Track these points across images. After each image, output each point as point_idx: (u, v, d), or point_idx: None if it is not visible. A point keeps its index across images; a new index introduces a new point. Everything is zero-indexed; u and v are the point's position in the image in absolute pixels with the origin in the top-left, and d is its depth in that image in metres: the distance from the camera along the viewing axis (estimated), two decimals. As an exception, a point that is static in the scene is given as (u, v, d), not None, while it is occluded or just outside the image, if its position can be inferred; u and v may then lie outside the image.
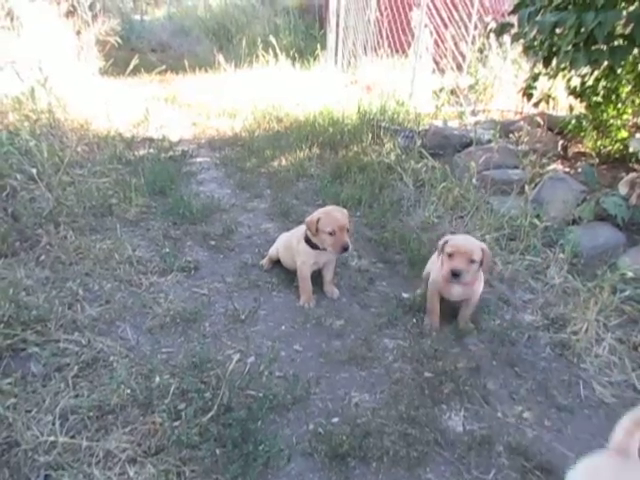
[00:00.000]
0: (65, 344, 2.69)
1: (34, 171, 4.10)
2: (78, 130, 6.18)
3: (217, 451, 2.14)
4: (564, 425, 2.49)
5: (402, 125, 6.77)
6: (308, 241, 3.32)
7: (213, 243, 4.07)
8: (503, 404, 2.61)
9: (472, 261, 2.83)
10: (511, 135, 5.70)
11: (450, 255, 2.85)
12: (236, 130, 7.76)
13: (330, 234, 3.15)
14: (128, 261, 3.61)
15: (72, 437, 2.15)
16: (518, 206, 4.34)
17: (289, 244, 3.53)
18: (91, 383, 2.46)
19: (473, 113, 7.32)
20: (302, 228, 3.56)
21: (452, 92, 7.68)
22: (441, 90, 7.44)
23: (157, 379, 2.42)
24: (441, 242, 2.97)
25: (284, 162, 6.23)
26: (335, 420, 2.41)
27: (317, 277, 3.50)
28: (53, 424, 2.19)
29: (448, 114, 7.29)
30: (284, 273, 3.67)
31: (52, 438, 2.11)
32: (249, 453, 2.13)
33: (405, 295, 3.47)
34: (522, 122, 5.92)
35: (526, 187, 4.34)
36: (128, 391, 2.37)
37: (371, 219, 4.63)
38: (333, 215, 3.19)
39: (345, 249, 3.13)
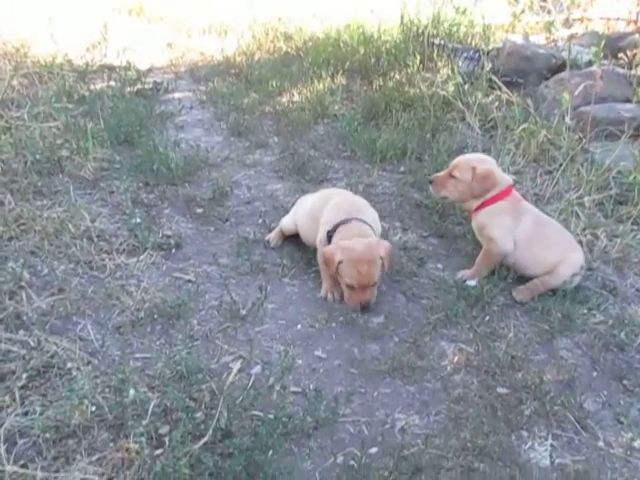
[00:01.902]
0: (8, 345, 2.76)
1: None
2: (12, 56, 6.24)
3: (214, 489, 2.22)
4: (692, 459, 2.51)
5: (464, 42, 6.68)
6: (329, 239, 3.39)
7: (200, 211, 4.13)
8: (606, 430, 2.62)
9: (452, 176, 3.54)
10: (621, 55, 5.58)
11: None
12: (228, 53, 7.75)
13: (349, 287, 3.24)
14: (86, 235, 3.67)
15: (23, 466, 2.23)
16: (631, 156, 4.28)
17: (315, 213, 3.56)
18: (44, 397, 2.52)
19: (567, 23, 7.16)
20: (333, 194, 3.59)
21: (536, -7, 7.51)
22: (521, -9, 7.28)
23: (131, 393, 2.48)
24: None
25: (296, 97, 6.23)
26: (373, 451, 2.46)
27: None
28: (-4, 450, 2.29)
29: (530, 26, 7.17)
30: (299, 252, 3.71)
31: (-4, 468, 2.21)
32: (257, 492, 2.19)
33: (470, 283, 3.49)
34: (637, 35, 5.79)
35: (643, 128, 4.29)
36: (93, 408, 2.43)
37: (421, 176, 4.62)
38: (359, 268, 3.17)
39: (363, 308, 3.26)
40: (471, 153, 3.61)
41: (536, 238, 3.41)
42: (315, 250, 3.49)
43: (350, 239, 3.24)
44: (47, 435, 2.32)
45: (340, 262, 3.18)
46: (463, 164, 3.52)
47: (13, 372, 2.62)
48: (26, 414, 2.42)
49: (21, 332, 2.86)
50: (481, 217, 3.52)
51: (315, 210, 3.57)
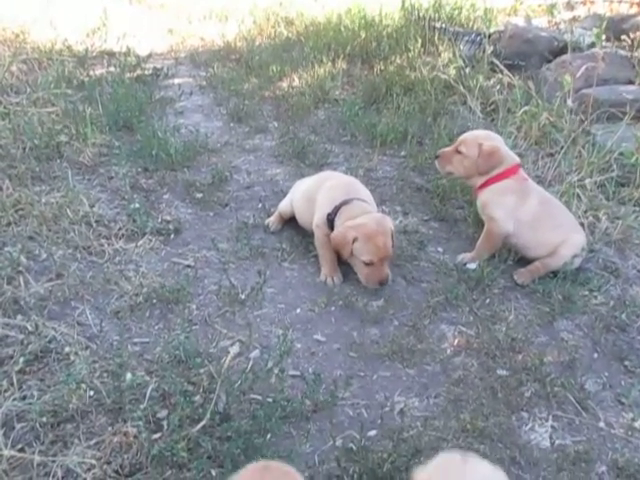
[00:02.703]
0: (5, 330, 2.76)
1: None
2: (11, 42, 6.22)
3: (212, 472, 2.20)
4: (693, 440, 2.50)
5: (466, 26, 6.63)
6: (330, 222, 3.36)
7: (199, 196, 4.11)
8: (607, 410, 2.62)
9: (458, 151, 3.54)
10: (624, 37, 5.52)
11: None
12: (228, 38, 7.71)
13: (367, 264, 3.20)
14: (84, 220, 3.66)
15: (20, 450, 2.23)
16: (632, 137, 4.24)
17: (310, 195, 3.54)
18: (42, 382, 2.52)
19: (568, 6, 7.10)
20: (328, 177, 3.57)
21: (538, -25, 7.44)
22: (522, -27, 7.22)
23: (128, 377, 2.47)
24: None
25: (297, 82, 6.19)
26: (372, 433, 2.45)
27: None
28: (-6, 434, 2.28)
29: (532, 8, 7.11)
30: (299, 236, 3.70)
31: (-6, 452, 2.20)
32: (255, 475, 2.18)
33: (470, 265, 3.47)
34: (640, 17, 5.73)
35: (645, 110, 4.25)
36: (91, 393, 2.43)
37: (421, 160, 4.60)
38: (376, 242, 3.16)
39: (382, 284, 3.25)
40: (478, 130, 3.55)
41: (541, 218, 3.39)
42: (313, 234, 3.47)
43: (354, 219, 3.22)
44: (45, 419, 2.32)
45: (355, 240, 3.17)
46: (470, 140, 3.51)
47: (11, 357, 2.62)
48: (24, 398, 2.42)
49: (19, 317, 2.85)
50: (485, 195, 3.50)
51: (310, 192, 3.56)
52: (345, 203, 3.33)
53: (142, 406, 2.38)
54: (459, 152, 3.52)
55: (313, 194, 3.52)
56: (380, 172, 4.57)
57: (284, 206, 3.77)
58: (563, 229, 3.41)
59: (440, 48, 6.30)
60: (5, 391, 2.43)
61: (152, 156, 4.41)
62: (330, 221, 3.35)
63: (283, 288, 3.30)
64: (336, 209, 3.34)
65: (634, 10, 6.99)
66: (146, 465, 2.20)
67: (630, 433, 2.51)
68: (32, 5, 7.03)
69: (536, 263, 3.40)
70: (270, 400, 2.47)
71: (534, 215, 3.38)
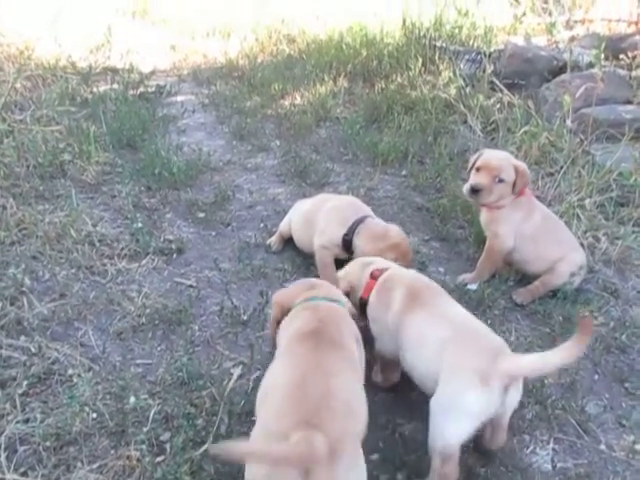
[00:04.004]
0: (9, 352, 2.76)
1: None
2: (16, 59, 6.24)
3: (215, 496, 2.21)
4: (694, 464, 2.49)
5: (466, 45, 6.66)
6: (347, 243, 3.36)
7: (202, 215, 4.12)
8: (608, 433, 2.61)
9: (500, 180, 3.30)
10: (622, 56, 5.56)
11: (478, 169, 3.36)
12: (231, 56, 7.75)
13: None
14: (88, 240, 3.67)
15: (23, 474, 2.23)
16: (631, 158, 4.26)
17: (309, 216, 3.55)
18: (45, 404, 2.53)
19: (568, 25, 7.14)
20: (328, 198, 3.58)
21: (538, -5, 7.49)
22: (522, -8, 7.26)
23: (132, 400, 2.48)
24: (476, 155, 3.47)
25: (299, 100, 6.22)
26: (374, 457, 2.45)
27: (343, 263, 3.53)
28: (-3, 457, 2.29)
29: (532, 27, 7.15)
30: (300, 257, 3.70)
31: (-3, 475, 2.21)
32: (258, 499, 2.18)
33: (471, 286, 3.47)
34: (638, 37, 5.77)
35: (644, 130, 4.27)
36: (94, 415, 2.44)
37: (422, 180, 4.61)
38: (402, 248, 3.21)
39: None
40: (486, 151, 3.51)
41: (543, 232, 3.40)
42: (313, 256, 3.48)
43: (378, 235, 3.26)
44: (48, 443, 2.32)
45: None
46: (505, 165, 3.36)
47: (14, 378, 2.63)
48: (27, 421, 2.42)
49: (22, 338, 2.87)
50: (494, 211, 3.45)
51: (309, 214, 3.56)
52: (360, 222, 3.34)
53: (145, 429, 2.39)
54: (501, 180, 3.33)
55: (312, 216, 3.52)
56: (381, 191, 4.59)
57: (284, 226, 3.79)
58: (563, 245, 3.42)
59: (441, 67, 6.34)
60: (8, 414, 2.44)
61: (155, 175, 4.43)
62: (347, 241, 3.35)
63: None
64: (352, 229, 3.34)
65: (632, 29, 7.03)
66: (149, 489, 2.20)
67: (631, 456, 2.50)
68: (37, 21, 7.07)
69: (535, 283, 3.41)
70: (272, 423, 2.47)
71: (537, 229, 3.40)
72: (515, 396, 2.21)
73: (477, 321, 2.44)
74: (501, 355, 2.19)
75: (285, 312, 2.41)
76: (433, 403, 2.23)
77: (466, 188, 3.39)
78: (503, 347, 2.28)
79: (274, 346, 2.38)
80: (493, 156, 3.44)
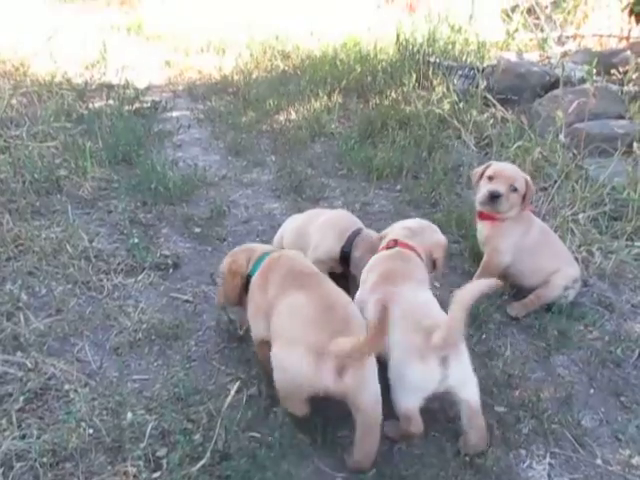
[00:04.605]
0: (5, 367, 2.76)
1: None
2: (11, 75, 6.28)
3: (212, 512, 2.21)
4: (690, 477, 2.50)
5: (459, 60, 6.73)
6: (345, 256, 3.35)
7: (198, 230, 4.13)
8: (604, 447, 2.62)
9: (514, 189, 3.32)
10: (614, 71, 5.63)
11: (490, 178, 3.37)
12: (226, 71, 7.79)
13: None
14: (84, 255, 3.68)
15: (19, 491, 2.24)
16: (624, 172, 4.30)
17: (301, 231, 3.55)
18: (41, 420, 2.53)
19: (559, 41, 7.23)
20: (320, 213, 3.58)
21: (529, 11, 7.59)
22: (514, 9, 7.36)
23: (128, 416, 2.48)
24: (482, 166, 3.50)
25: (293, 116, 6.25)
26: (372, 473, 2.45)
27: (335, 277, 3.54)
28: (-7, 474, 2.28)
29: (524, 43, 7.23)
30: (297, 270, 3.70)
31: (-8, 492, 2.20)
32: (255, 515, 2.19)
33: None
34: (629, 52, 5.84)
35: (635, 145, 4.31)
36: (90, 431, 2.43)
37: (417, 194, 4.64)
38: None
39: None
40: (494, 162, 3.51)
41: (540, 245, 3.43)
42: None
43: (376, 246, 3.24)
44: (44, 459, 2.31)
45: None
46: (518, 175, 3.40)
47: (10, 394, 2.62)
48: (23, 437, 2.41)
49: (18, 354, 2.86)
50: (494, 226, 3.46)
51: (301, 230, 3.54)
52: (356, 234, 3.35)
53: (142, 445, 2.38)
54: (515, 190, 3.34)
55: (304, 231, 3.51)
56: (376, 206, 4.61)
57: (276, 241, 3.76)
58: (559, 259, 3.45)
59: (434, 82, 6.39)
60: (4, 430, 2.43)
61: (151, 190, 4.44)
62: (345, 253, 3.36)
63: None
64: (349, 242, 3.34)
65: (623, 44, 7.12)
66: (146, 505, 2.20)
67: (627, 470, 2.51)
68: (33, 38, 7.11)
69: (530, 296, 3.42)
70: (270, 438, 2.47)
71: (535, 243, 3.42)
72: (458, 368, 2.43)
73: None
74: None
75: (244, 279, 2.81)
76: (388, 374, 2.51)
77: (483, 195, 3.35)
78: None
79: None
80: (506, 166, 3.52)
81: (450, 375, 2.38)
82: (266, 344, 2.58)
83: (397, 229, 3.11)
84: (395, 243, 2.99)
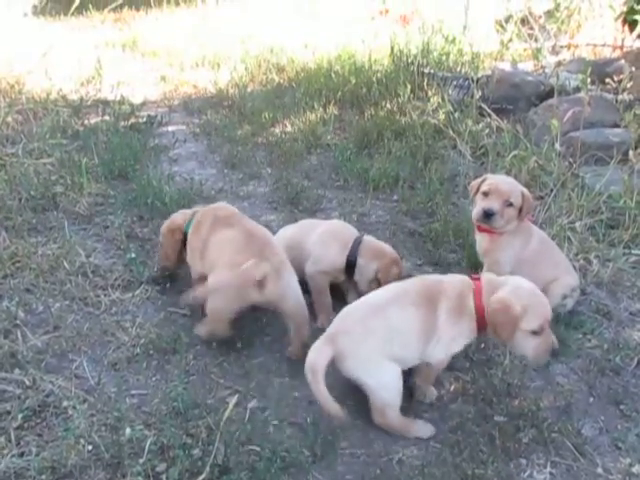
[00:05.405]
0: (3, 385, 2.77)
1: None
2: (7, 93, 6.31)
3: (212, 527, 2.21)
4: (691, 485, 2.50)
5: (454, 71, 6.77)
6: (350, 264, 3.39)
7: (195, 244, 4.14)
8: (604, 456, 2.62)
9: (509, 204, 3.31)
10: (608, 80, 5.66)
11: (485, 194, 3.36)
12: (221, 85, 7.83)
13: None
14: (81, 271, 3.69)
15: (18, 510, 2.24)
16: (620, 180, 4.32)
17: (293, 243, 3.55)
18: (40, 437, 2.53)
19: (554, 50, 7.28)
20: (314, 224, 3.60)
21: (523, 22, 7.65)
22: (508, 19, 7.42)
23: (127, 431, 2.48)
24: (478, 180, 3.49)
25: (289, 128, 6.29)
26: (372, 484, 2.46)
27: (337, 288, 3.56)
28: (-8, 492, 2.28)
29: (518, 53, 7.28)
30: (294, 283, 3.71)
31: (-9, 511, 2.20)
32: (255, 529, 2.19)
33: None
34: (623, 61, 5.89)
35: (631, 153, 4.33)
36: (89, 447, 2.43)
37: (414, 204, 4.67)
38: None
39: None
40: (490, 176, 3.51)
41: (540, 256, 3.43)
42: (305, 282, 3.50)
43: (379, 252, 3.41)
44: (43, 476, 2.32)
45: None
46: (514, 189, 3.37)
47: (8, 412, 2.63)
48: (22, 455, 2.42)
49: (16, 371, 2.87)
50: (494, 239, 3.45)
51: (295, 241, 3.56)
52: (359, 242, 3.42)
53: (141, 460, 2.38)
54: (510, 205, 3.32)
55: (297, 243, 3.53)
56: (373, 217, 4.63)
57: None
58: (558, 267, 3.46)
59: (429, 93, 6.43)
60: (3, 448, 2.44)
61: (147, 205, 4.46)
62: (350, 262, 3.39)
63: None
64: (354, 249, 3.38)
65: (617, 53, 7.18)
66: (146, 521, 2.20)
67: (628, 478, 2.51)
68: (28, 55, 7.16)
69: None
70: (268, 451, 2.47)
71: (535, 253, 3.43)
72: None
73: None
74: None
75: (182, 234, 3.43)
76: None
77: (477, 212, 3.36)
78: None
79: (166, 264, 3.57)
80: (501, 180, 3.46)
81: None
82: (204, 279, 3.12)
83: None
84: None
